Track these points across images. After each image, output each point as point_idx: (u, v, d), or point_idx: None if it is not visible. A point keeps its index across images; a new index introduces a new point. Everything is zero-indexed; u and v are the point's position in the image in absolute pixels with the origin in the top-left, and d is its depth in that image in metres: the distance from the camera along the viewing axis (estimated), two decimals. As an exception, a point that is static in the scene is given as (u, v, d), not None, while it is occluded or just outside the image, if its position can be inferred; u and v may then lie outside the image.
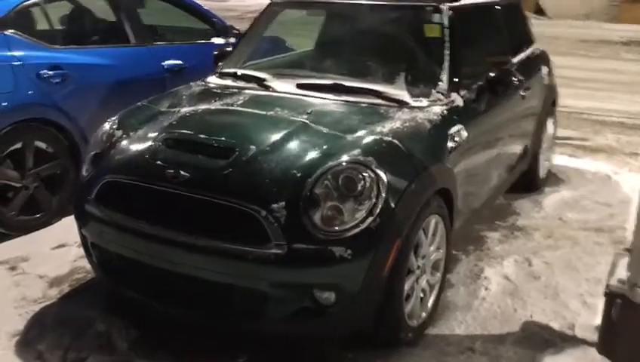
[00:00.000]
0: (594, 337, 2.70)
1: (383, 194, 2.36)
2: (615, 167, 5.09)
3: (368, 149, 2.49)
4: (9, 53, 3.64)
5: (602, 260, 3.43)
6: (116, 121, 2.93)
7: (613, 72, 9.47)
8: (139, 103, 3.13)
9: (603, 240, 3.76)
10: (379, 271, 2.37)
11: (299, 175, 2.39)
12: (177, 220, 2.44)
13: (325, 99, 2.96)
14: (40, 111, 3.72)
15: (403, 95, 2.95)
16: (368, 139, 2.57)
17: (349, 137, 2.58)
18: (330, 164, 2.41)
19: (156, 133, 2.72)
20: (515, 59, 3.97)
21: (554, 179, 4.77)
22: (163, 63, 4.36)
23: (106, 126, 2.93)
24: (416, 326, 2.68)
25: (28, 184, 3.68)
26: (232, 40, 4.60)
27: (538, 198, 4.37)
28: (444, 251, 2.85)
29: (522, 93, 3.82)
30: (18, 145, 3.63)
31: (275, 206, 2.31)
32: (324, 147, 2.51)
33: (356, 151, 2.47)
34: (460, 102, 3.02)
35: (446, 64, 3.05)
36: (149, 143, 2.67)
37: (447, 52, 3.08)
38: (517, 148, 3.94)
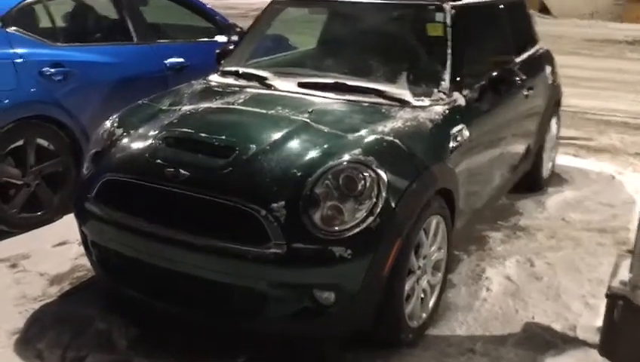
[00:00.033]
0: (595, 339, 2.68)
1: (384, 194, 2.35)
2: (619, 168, 5.07)
3: (369, 149, 2.48)
4: (11, 51, 3.64)
5: (605, 261, 3.41)
6: (117, 119, 2.93)
7: (617, 72, 9.43)
8: (140, 101, 3.13)
9: (606, 241, 3.74)
10: (379, 271, 2.35)
11: (299, 174, 2.38)
12: (177, 219, 2.43)
13: (326, 98, 2.95)
14: (42, 109, 3.72)
15: (405, 94, 2.93)
16: (369, 138, 2.56)
17: (350, 137, 2.57)
18: (331, 163, 2.40)
19: (156, 132, 2.71)
20: (519, 59, 3.95)
21: (557, 179, 4.74)
22: (165, 61, 4.36)
23: (107, 124, 2.93)
24: (416, 327, 2.67)
25: (29, 181, 3.69)
26: (235, 38, 4.59)
27: (541, 198, 4.35)
28: (445, 251, 2.83)
29: (525, 93, 3.80)
30: (20, 143, 3.63)
31: (274, 205, 2.30)
32: (325, 146, 2.50)
33: (357, 151, 2.45)
34: (462, 101, 3.01)
35: (448, 63, 3.03)
36: (149, 142, 2.66)
37: (449, 51, 3.07)
38: (520, 147, 3.92)
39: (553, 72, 4.51)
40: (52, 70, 3.75)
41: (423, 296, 2.70)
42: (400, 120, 2.72)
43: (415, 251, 2.55)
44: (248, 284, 2.39)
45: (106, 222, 2.62)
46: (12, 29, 3.68)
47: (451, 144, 2.81)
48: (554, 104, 4.50)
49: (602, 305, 2.67)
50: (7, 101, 3.55)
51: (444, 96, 2.95)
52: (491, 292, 3.11)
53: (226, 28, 4.88)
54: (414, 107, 2.86)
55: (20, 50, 3.66)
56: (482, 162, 3.22)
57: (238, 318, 2.46)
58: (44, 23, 4.22)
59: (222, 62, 3.59)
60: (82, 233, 2.84)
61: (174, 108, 2.95)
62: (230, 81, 3.30)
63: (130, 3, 4.38)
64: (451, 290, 3.10)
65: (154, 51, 4.37)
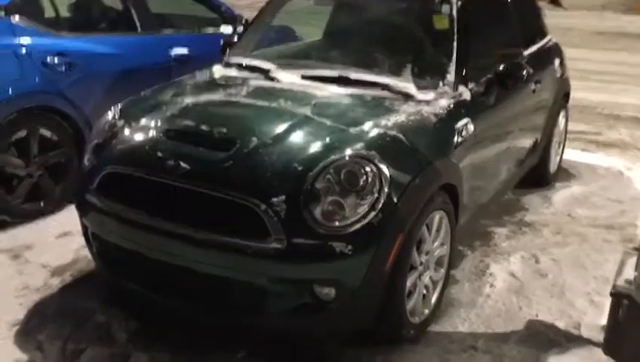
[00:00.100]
0: (600, 337, 2.64)
1: (386, 189, 2.32)
2: (628, 163, 5.01)
3: (372, 143, 2.45)
4: (15, 41, 3.62)
5: (611, 258, 3.37)
6: (118, 111, 2.91)
7: (628, 65, 9.31)
8: (142, 93, 3.10)
9: (613, 237, 3.69)
10: (380, 267, 2.33)
11: (300, 168, 2.35)
12: (177, 212, 2.41)
13: (330, 90, 2.91)
14: (45, 99, 3.71)
15: (409, 87, 2.89)
16: (372, 132, 2.53)
17: (352, 130, 2.54)
18: (333, 157, 2.37)
19: (158, 124, 2.69)
20: (527, 52, 3.90)
21: (565, 174, 4.70)
22: (170, 52, 4.33)
23: (108, 115, 2.91)
24: (418, 323, 2.65)
25: (32, 172, 3.68)
26: (241, 29, 4.55)
27: (548, 194, 4.31)
28: (448, 247, 2.80)
29: (533, 87, 3.75)
30: (23, 133, 3.61)
31: (275, 200, 2.27)
32: (327, 140, 2.47)
33: (359, 145, 2.42)
34: (467, 95, 2.96)
35: (454, 56, 2.99)
36: (150, 134, 2.64)
37: (455, 44, 3.02)
38: (527, 142, 3.88)
39: (562, 65, 4.45)
40: (55, 60, 3.72)
41: (425, 292, 2.68)
42: (404, 114, 2.69)
43: (417, 247, 2.52)
44: (248, 279, 2.37)
45: (106, 215, 2.60)
46: (15, 19, 3.66)
47: (456, 139, 2.78)
48: (562, 98, 4.45)
49: (607, 302, 2.61)
50: (10, 91, 3.53)
51: (449, 90, 2.91)
52: (495, 289, 3.08)
53: (231, 19, 4.84)
54: (419, 101, 2.82)
55: (23, 40, 3.64)
56: (488, 157, 3.18)
57: (237, 313, 2.44)
58: (48, 12, 4.22)
59: (226, 53, 3.56)
60: (83, 225, 2.83)
61: (176, 99, 2.92)
62: (233, 72, 3.27)
63: (134, -7, 4.35)
64: (454, 286, 3.07)
65: (158, 42, 4.34)
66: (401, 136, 2.53)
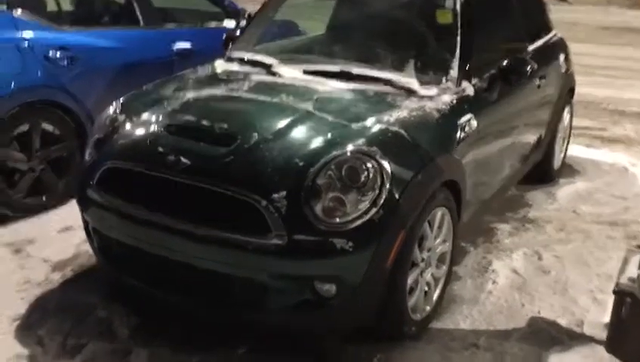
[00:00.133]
0: (603, 335, 2.62)
1: (387, 186, 2.30)
2: (633, 159, 4.99)
3: (373, 139, 2.43)
4: (17, 34, 3.60)
5: (615, 255, 3.35)
6: (119, 106, 2.89)
7: (633, 60, 9.26)
8: (143, 87, 3.09)
9: (617, 234, 3.67)
10: (381, 263, 2.31)
11: (301, 164, 2.33)
12: (178, 208, 2.40)
13: (332, 86, 2.89)
14: (47, 93, 3.70)
15: (412, 83, 2.87)
16: (374, 128, 2.51)
17: (354, 126, 2.52)
18: (334, 153, 2.35)
19: (158, 119, 2.67)
20: (532, 47, 3.87)
21: (569, 170, 4.67)
22: (172, 46, 4.31)
23: (109, 110, 2.90)
24: (419, 320, 2.63)
25: (34, 166, 3.67)
26: (244, 23, 4.53)
27: (552, 190, 4.29)
28: (450, 244, 2.79)
29: (537, 82, 3.72)
30: (25, 128, 3.61)
31: (275, 195, 2.26)
32: (328, 136, 2.45)
33: (360, 141, 2.40)
34: (470, 91, 2.94)
35: (457, 51, 2.96)
36: (151, 129, 2.63)
37: (458, 39, 2.99)
38: (531, 138, 3.85)
39: (567, 61, 4.42)
40: (58, 54, 3.71)
41: (427, 288, 2.66)
42: (406, 109, 2.67)
43: (419, 244, 2.51)
44: (249, 275, 2.35)
45: (107, 210, 2.59)
46: (18, 12, 3.65)
47: (458, 135, 2.75)
48: (567, 93, 4.42)
49: (610, 300, 2.60)
50: (12, 85, 3.52)
51: (452, 86, 2.89)
52: (497, 286, 3.07)
53: (234, 13, 4.82)
54: (421, 96, 2.80)
55: (25, 34, 3.62)
56: (491, 153, 3.16)
57: (238, 309, 2.43)
58: (51, 6, 4.20)
59: (228, 47, 3.54)
60: (84, 220, 2.82)
61: (178, 94, 2.90)
62: (235, 67, 3.25)
63: (137, -14, 4.33)
64: (457, 283, 3.06)
65: (161, 36, 4.33)
66: (403, 131, 2.52)
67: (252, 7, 5.03)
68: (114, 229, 2.62)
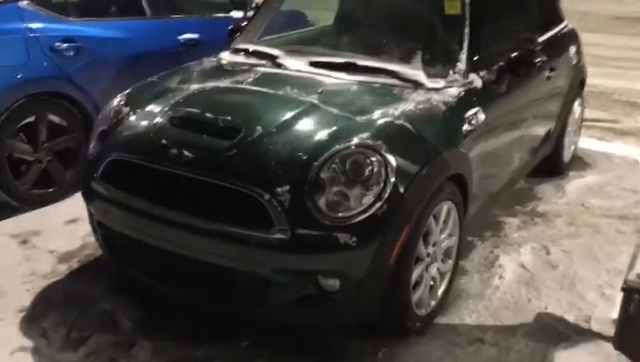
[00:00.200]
0: (610, 331, 2.58)
1: (392, 180, 2.27)
2: (644, 152, 4.92)
3: (378, 133, 2.40)
4: (23, 25, 3.60)
5: (624, 250, 3.31)
6: (124, 98, 2.88)
7: (647, 51, 9.13)
8: (148, 79, 3.07)
9: (627, 228, 3.62)
10: (385, 258, 2.29)
11: (305, 158, 2.31)
12: (181, 201, 2.38)
13: (337, 78, 2.86)
14: (54, 85, 3.70)
15: (419, 75, 2.83)
16: (379, 121, 2.47)
17: (359, 119, 2.49)
18: (338, 147, 2.32)
19: (163, 111, 2.66)
20: (542, 38, 3.81)
21: (579, 163, 4.62)
22: (179, 37, 4.30)
23: (114, 102, 2.88)
24: (424, 315, 2.61)
25: (41, 158, 3.68)
26: (251, 14, 4.49)
27: (561, 183, 4.24)
28: (456, 238, 2.76)
29: (547, 74, 3.67)
30: (31, 119, 3.61)
31: (279, 189, 2.23)
32: (333, 129, 2.42)
33: (365, 135, 2.37)
34: (478, 83, 2.90)
35: (465, 43, 2.91)
36: (155, 121, 2.61)
37: (466, 30, 2.94)
38: (540, 130, 3.80)
39: (578, 52, 4.36)
40: (64, 45, 3.71)
41: (432, 283, 2.64)
42: (412, 102, 2.63)
43: (424, 238, 2.48)
44: (252, 269, 2.34)
45: (111, 202, 2.58)
46: (24, 3, 3.64)
47: (466, 128, 2.72)
48: (578, 85, 4.36)
49: (619, 296, 2.55)
50: (18, 76, 3.53)
51: (459, 78, 2.84)
52: (504, 280, 3.04)
53: (241, 3, 4.78)
54: (428, 89, 2.76)
55: (31, 25, 3.62)
56: (499, 146, 3.12)
57: (241, 303, 2.42)
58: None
59: (234, 38, 3.51)
60: (89, 212, 2.82)
61: (182, 86, 2.89)
62: (241, 58, 3.22)
63: (143, -23, 4.31)
64: (463, 277, 3.03)
65: (167, 27, 4.31)
66: (408, 125, 2.48)
67: (260, -2, 5.01)
68: (118, 222, 2.62)
